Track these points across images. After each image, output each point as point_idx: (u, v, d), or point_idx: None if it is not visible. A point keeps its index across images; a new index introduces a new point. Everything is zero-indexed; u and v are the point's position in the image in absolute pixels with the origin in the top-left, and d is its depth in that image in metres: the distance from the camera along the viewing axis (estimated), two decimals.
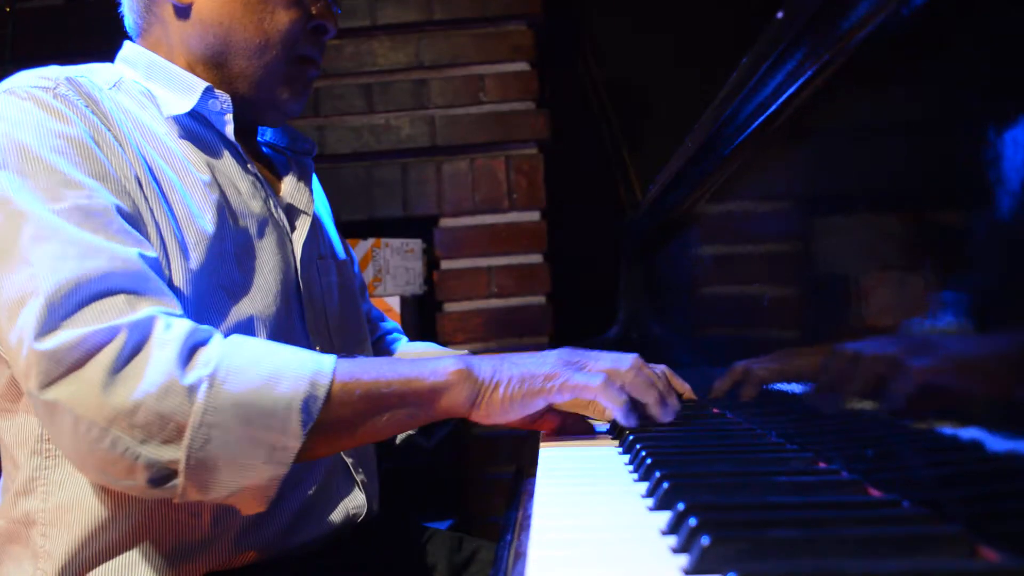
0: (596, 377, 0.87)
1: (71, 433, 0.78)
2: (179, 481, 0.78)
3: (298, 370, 0.81)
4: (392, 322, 1.46)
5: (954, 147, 0.52)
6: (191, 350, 0.79)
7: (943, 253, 0.54)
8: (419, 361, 0.88)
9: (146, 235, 0.89)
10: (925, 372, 0.56)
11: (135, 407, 0.76)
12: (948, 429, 0.53)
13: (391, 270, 2.24)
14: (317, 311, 1.10)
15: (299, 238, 1.09)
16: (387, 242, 2.24)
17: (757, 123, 0.88)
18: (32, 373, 0.78)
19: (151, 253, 0.87)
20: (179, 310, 0.84)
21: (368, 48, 2.29)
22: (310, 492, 1.02)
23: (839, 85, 0.70)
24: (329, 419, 0.81)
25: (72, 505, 0.90)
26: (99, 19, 2.23)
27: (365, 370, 0.84)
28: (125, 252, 0.83)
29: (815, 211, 0.79)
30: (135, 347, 0.78)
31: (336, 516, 1.05)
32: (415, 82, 2.28)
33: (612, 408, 0.87)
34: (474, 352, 2.25)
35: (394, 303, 2.16)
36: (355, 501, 1.08)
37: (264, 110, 1.10)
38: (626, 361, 0.91)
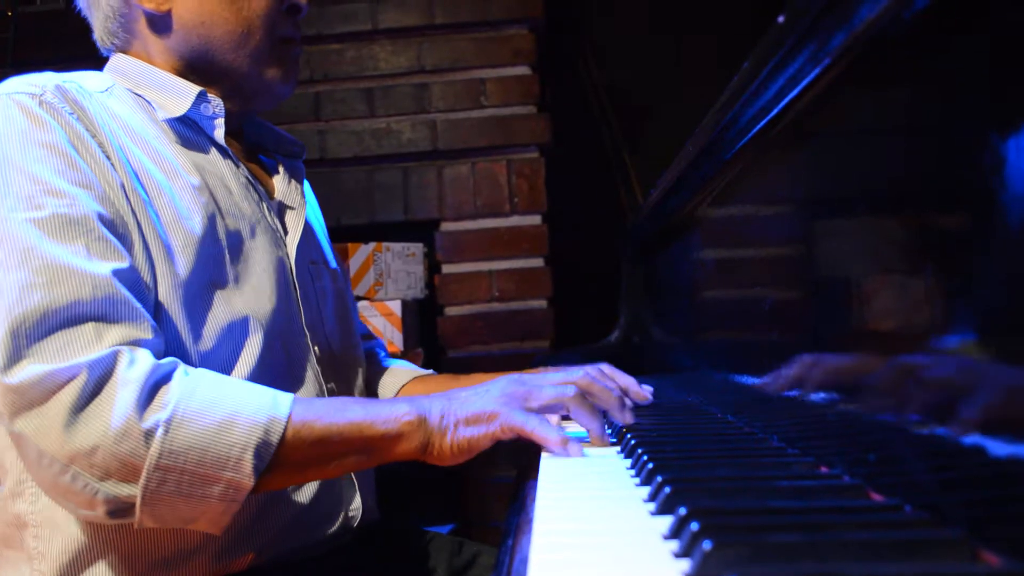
0: (531, 419, 0.88)
1: (36, 464, 0.82)
2: (136, 514, 0.82)
3: (254, 414, 0.83)
4: (378, 340, 1.45)
5: (957, 151, 0.52)
6: (151, 390, 0.82)
7: (945, 257, 0.54)
8: (374, 405, 0.90)
9: (128, 242, 0.90)
10: (927, 376, 0.56)
11: (94, 448, 0.79)
12: (949, 433, 0.52)
13: (392, 274, 2.24)
14: (313, 311, 1.10)
15: (292, 240, 1.09)
16: (388, 246, 2.24)
17: (758, 127, 0.88)
18: (1, 402, 0.80)
19: (126, 264, 0.88)
20: (149, 333, 0.86)
21: (369, 52, 2.29)
22: (308, 495, 1.02)
23: (840, 89, 0.70)
24: (280, 462, 0.84)
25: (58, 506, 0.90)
26: None
27: (319, 415, 0.86)
28: (96, 273, 0.84)
29: (816, 215, 0.79)
30: (97, 386, 0.80)
31: (334, 520, 1.05)
32: (416, 86, 2.28)
33: (547, 447, 0.88)
34: (474, 357, 2.25)
35: (395, 307, 2.16)
36: (353, 504, 1.08)
37: (257, 97, 1.11)
38: (569, 389, 0.92)
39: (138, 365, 0.82)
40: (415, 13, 2.27)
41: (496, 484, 2.21)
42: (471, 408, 0.89)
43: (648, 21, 2.51)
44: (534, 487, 0.75)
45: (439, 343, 2.25)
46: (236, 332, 0.97)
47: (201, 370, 0.88)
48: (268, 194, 1.12)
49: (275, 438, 0.83)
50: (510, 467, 2.22)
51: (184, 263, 0.94)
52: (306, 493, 1.02)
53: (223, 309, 0.96)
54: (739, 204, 1.06)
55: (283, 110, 2.26)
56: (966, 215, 0.51)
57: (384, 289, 2.22)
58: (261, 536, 0.97)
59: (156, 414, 0.80)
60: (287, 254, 1.08)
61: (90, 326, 0.82)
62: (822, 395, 0.76)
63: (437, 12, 2.27)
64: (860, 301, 0.68)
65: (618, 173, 2.43)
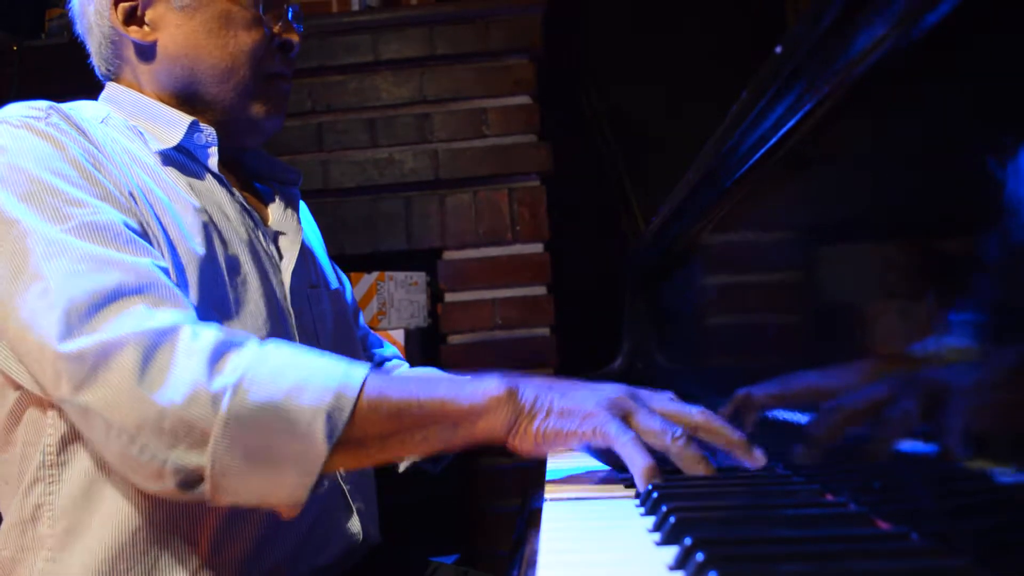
0: (626, 433, 0.80)
1: (104, 437, 0.80)
2: (207, 486, 0.79)
3: (324, 382, 0.80)
4: (392, 347, 1.45)
5: (953, 176, 0.52)
6: (219, 356, 0.80)
7: (949, 283, 0.54)
8: (459, 379, 0.85)
9: (155, 248, 0.91)
10: (933, 402, 0.56)
11: (161, 414, 0.77)
12: (956, 459, 0.52)
13: (395, 303, 2.24)
14: (309, 337, 1.10)
15: (287, 267, 1.10)
16: (391, 275, 2.24)
17: (758, 155, 0.88)
18: (62, 378, 0.79)
19: (163, 263, 0.88)
20: (194, 315, 0.85)
21: (371, 83, 2.31)
22: (308, 520, 1.01)
23: (837, 117, 0.70)
24: (355, 434, 0.80)
25: (77, 529, 0.90)
26: None
27: (396, 387, 0.82)
28: (137, 261, 0.84)
29: (818, 241, 0.79)
30: (162, 352, 0.79)
31: (336, 545, 1.05)
32: (418, 116, 2.30)
33: (632, 470, 0.80)
34: None
35: (398, 336, 2.16)
36: (355, 529, 1.07)
37: (244, 132, 1.12)
38: (677, 431, 0.82)
39: (204, 336, 0.80)
40: (416, 44, 2.29)
41: (501, 513, 2.20)
42: (570, 400, 0.83)
43: (648, 49, 2.53)
44: (539, 516, 0.74)
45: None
46: None
47: (275, 340, 0.85)
48: (263, 221, 1.12)
49: (347, 405, 0.79)
50: (515, 496, 2.21)
51: (189, 282, 0.94)
52: (307, 520, 1.01)
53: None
54: (741, 231, 1.06)
55: (286, 141, 2.27)
56: (968, 240, 0.52)
57: (387, 318, 2.23)
58: (264, 562, 0.96)
59: (224, 378, 0.78)
60: (282, 281, 1.08)
61: (140, 304, 0.81)
62: (826, 422, 0.76)
63: (438, 43, 2.29)
64: (863, 326, 0.68)
65: (619, 200, 2.44)
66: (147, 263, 0.85)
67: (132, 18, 1.08)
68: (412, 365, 2.16)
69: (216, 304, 0.97)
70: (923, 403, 0.57)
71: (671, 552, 0.57)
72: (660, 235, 1.47)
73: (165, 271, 0.87)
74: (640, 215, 2.33)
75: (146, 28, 1.07)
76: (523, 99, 2.29)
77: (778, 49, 0.72)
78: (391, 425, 0.81)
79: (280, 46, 1.10)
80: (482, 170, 2.27)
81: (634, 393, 0.87)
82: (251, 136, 1.13)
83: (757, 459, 0.83)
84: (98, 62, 1.14)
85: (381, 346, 1.44)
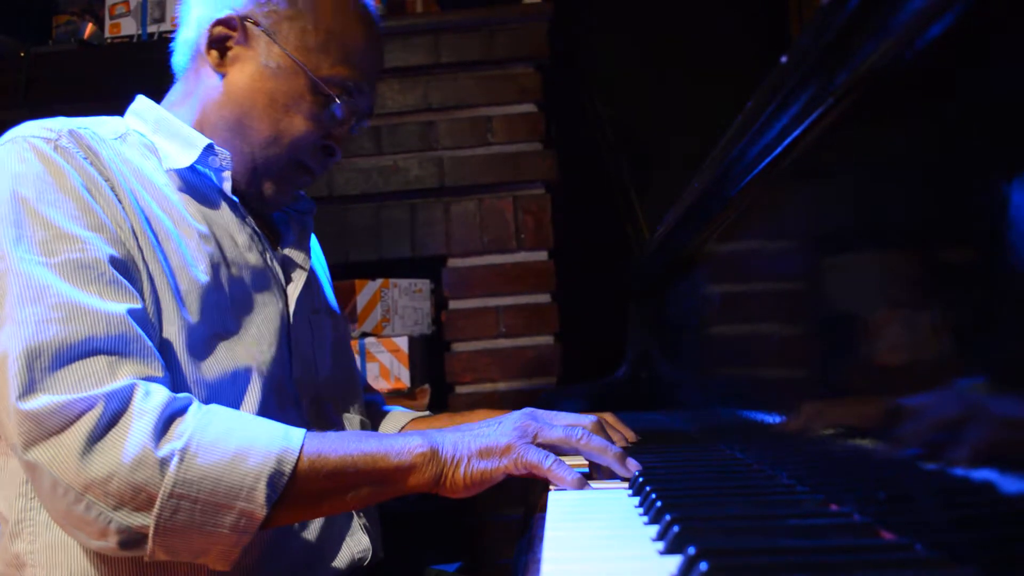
0: (548, 458, 0.89)
1: (50, 493, 0.82)
2: (148, 545, 0.82)
3: (267, 446, 0.84)
4: (378, 394, 1.44)
5: (960, 187, 0.52)
6: (167, 421, 0.83)
7: (955, 293, 0.54)
8: (387, 438, 0.90)
9: (139, 286, 0.91)
10: (937, 411, 0.56)
11: (109, 476, 0.80)
12: (961, 470, 0.52)
13: (399, 310, 2.24)
14: (307, 364, 1.11)
15: (294, 291, 1.10)
16: (395, 282, 2.24)
17: (763, 165, 0.88)
18: (14, 431, 0.81)
19: (138, 305, 0.89)
20: (160, 372, 0.87)
21: (377, 91, 2.32)
22: (314, 536, 1.01)
23: (842, 127, 0.70)
24: (293, 493, 0.84)
25: (61, 545, 0.90)
26: (113, 64, 2.27)
27: (332, 447, 0.87)
28: (110, 311, 0.86)
29: (823, 250, 0.79)
30: (113, 416, 0.81)
31: (341, 560, 1.04)
32: (423, 124, 2.30)
33: (564, 486, 0.89)
34: (481, 393, 2.25)
35: (402, 343, 2.16)
36: (360, 544, 1.07)
37: (245, 188, 1.11)
38: (577, 431, 0.93)
39: (154, 396, 0.83)
40: (421, 53, 2.30)
41: (503, 521, 2.19)
42: (484, 441, 0.90)
43: (653, 57, 2.53)
44: (542, 525, 0.74)
45: (446, 379, 2.25)
46: (239, 380, 0.98)
47: (215, 405, 0.89)
48: (273, 246, 1.13)
49: (288, 468, 0.83)
50: (518, 504, 2.20)
51: (190, 309, 0.95)
52: (311, 533, 1.01)
53: (226, 357, 0.97)
54: (745, 240, 1.06)
55: None
56: (974, 250, 0.52)
57: (391, 325, 2.23)
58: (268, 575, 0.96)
59: (171, 443, 0.81)
60: (287, 305, 1.09)
61: (104, 361, 0.83)
62: (831, 432, 0.76)
63: (443, 52, 2.29)
64: (867, 336, 0.68)
65: (624, 209, 2.44)
66: (120, 311, 0.86)
67: (219, 44, 1.08)
68: (416, 373, 2.16)
69: (219, 330, 0.98)
70: (928, 413, 0.57)
71: (675, 562, 0.57)
72: (664, 244, 1.47)
73: (140, 314, 0.89)
74: (645, 224, 2.33)
75: (225, 60, 1.08)
76: (528, 107, 2.29)
77: (783, 59, 0.72)
78: (327, 484, 0.86)
79: (325, 147, 1.11)
80: (487, 178, 2.28)
81: (533, 414, 0.95)
82: (253, 201, 1.13)
83: (629, 469, 0.93)
84: (175, 56, 1.15)
85: (369, 387, 1.42)
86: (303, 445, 0.85)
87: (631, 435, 1.20)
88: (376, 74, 1.16)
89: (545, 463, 0.88)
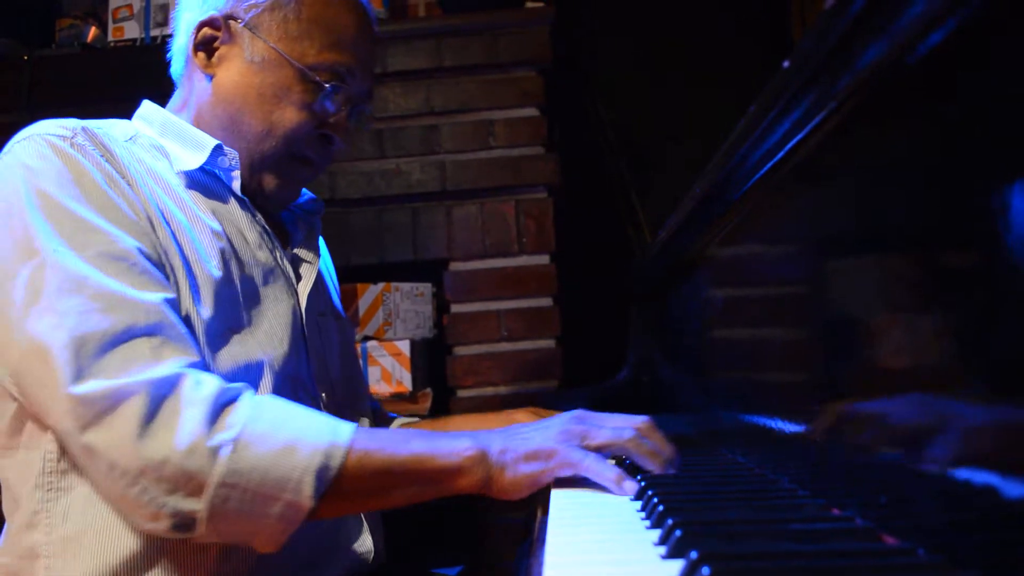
0: (587, 457, 0.89)
1: (106, 476, 0.84)
2: (199, 528, 0.84)
3: (316, 439, 0.85)
4: (375, 400, 1.45)
5: (964, 191, 0.52)
6: (219, 410, 0.84)
7: (957, 297, 0.54)
8: (436, 439, 0.91)
9: (166, 275, 0.92)
10: (938, 416, 0.56)
11: (163, 461, 0.82)
12: (964, 474, 0.52)
13: (401, 314, 2.24)
14: (320, 360, 1.11)
15: (304, 288, 1.11)
16: (397, 286, 2.25)
17: (765, 169, 0.88)
18: (68, 417, 0.83)
19: (171, 294, 0.91)
20: (198, 356, 0.89)
21: (379, 94, 2.32)
22: (320, 536, 1.01)
23: (843, 131, 0.70)
24: (340, 488, 0.85)
25: (76, 537, 0.91)
26: (115, 68, 2.27)
27: (381, 445, 0.88)
28: (147, 300, 0.87)
29: (824, 254, 0.79)
30: (164, 401, 0.83)
31: (346, 561, 1.05)
32: (425, 127, 2.30)
33: (603, 484, 0.89)
34: (483, 397, 2.25)
35: (404, 347, 2.16)
36: (364, 546, 1.07)
37: (254, 192, 1.12)
38: (627, 432, 0.94)
39: (206, 385, 0.85)
40: (424, 56, 2.30)
41: (506, 525, 2.19)
42: (531, 444, 0.90)
43: (655, 61, 2.53)
44: (544, 529, 0.74)
45: (448, 383, 2.25)
46: (252, 374, 0.98)
47: (267, 395, 0.91)
48: (283, 245, 1.13)
49: (335, 463, 0.85)
50: (520, 507, 2.20)
51: (205, 303, 0.96)
52: (316, 533, 1.01)
53: (240, 351, 0.98)
54: (747, 243, 1.06)
55: None
56: (977, 255, 0.52)
57: (393, 329, 2.23)
58: (272, 575, 0.96)
59: (223, 433, 0.83)
60: (299, 303, 1.09)
61: (147, 348, 0.85)
62: (833, 436, 0.76)
63: (445, 55, 2.30)
64: (870, 340, 0.68)
65: (626, 212, 2.44)
66: (156, 300, 0.88)
67: (206, 45, 1.09)
68: (418, 377, 2.16)
69: (233, 324, 0.98)
70: (930, 417, 0.57)
71: (677, 566, 0.57)
72: (666, 247, 1.47)
73: (174, 303, 0.90)
74: (647, 227, 2.33)
75: (212, 61, 1.09)
76: (530, 111, 2.30)
77: (786, 64, 0.72)
78: (373, 481, 0.87)
79: (322, 137, 1.11)
80: (489, 182, 2.28)
81: (582, 416, 0.95)
82: (260, 196, 1.13)
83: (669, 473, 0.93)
84: (172, 65, 1.16)
85: (373, 400, 1.43)
86: (352, 441, 0.86)
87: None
88: (371, 57, 1.14)
89: (584, 462, 0.89)
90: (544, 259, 2.27)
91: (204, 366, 0.89)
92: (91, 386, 0.82)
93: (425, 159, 2.29)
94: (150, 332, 0.86)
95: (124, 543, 0.90)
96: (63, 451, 0.91)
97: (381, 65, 2.29)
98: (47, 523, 0.92)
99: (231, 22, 1.08)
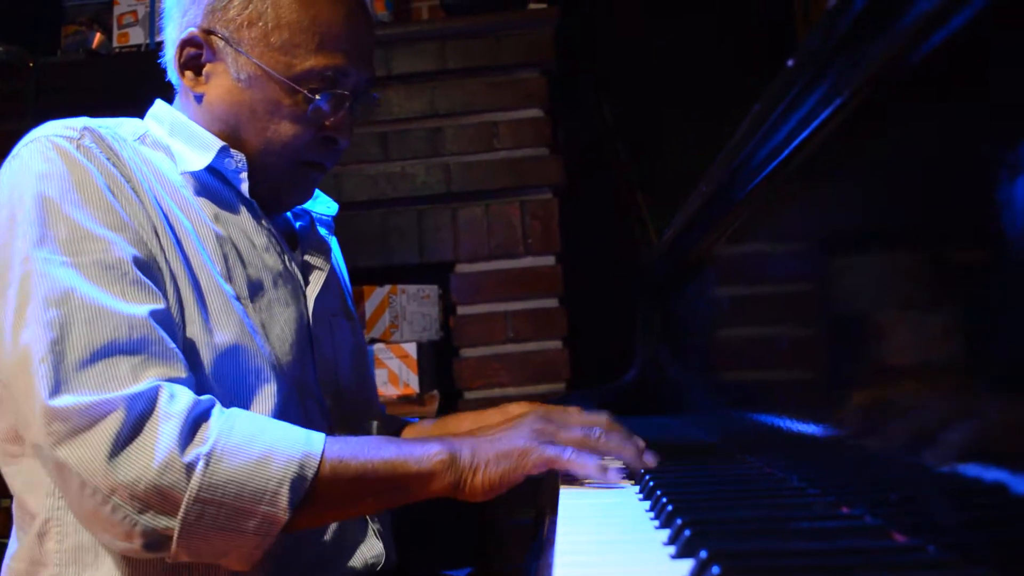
0: (565, 450, 0.90)
1: (78, 494, 0.83)
2: (172, 547, 0.83)
3: (289, 450, 0.85)
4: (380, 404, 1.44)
5: (971, 189, 0.52)
6: (192, 425, 0.84)
7: (966, 294, 0.54)
8: (407, 444, 0.91)
9: (161, 285, 0.92)
10: (948, 413, 0.56)
11: (136, 480, 0.81)
12: (973, 471, 0.52)
13: (407, 316, 2.24)
14: (328, 365, 1.11)
15: (312, 293, 1.10)
16: (403, 288, 2.25)
17: (771, 167, 0.88)
18: (43, 430, 0.82)
19: (161, 305, 0.90)
20: (183, 372, 0.88)
21: (384, 97, 2.32)
22: (327, 541, 1.01)
23: (849, 129, 0.70)
24: (315, 497, 0.86)
25: (88, 546, 0.91)
26: (120, 74, 2.28)
27: (353, 453, 0.88)
28: (133, 313, 0.86)
29: (831, 252, 0.79)
30: (139, 419, 0.82)
31: (355, 564, 1.05)
32: (430, 130, 2.31)
33: (587, 475, 0.91)
34: (491, 398, 2.25)
35: (411, 349, 2.16)
36: (373, 550, 1.07)
37: (264, 195, 1.10)
38: (593, 431, 0.95)
39: (179, 400, 0.84)
40: (428, 59, 2.30)
41: (514, 526, 2.19)
42: (501, 445, 0.91)
43: (660, 61, 2.53)
44: (553, 530, 0.74)
45: (455, 385, 2.25)
46: (260, 379, 0.98)
47: (236, 408, 0.90)
48: (292, 247, 1.12)
49: (310, 472, 0.85)
50: (529, 509, 2.20)
51: (210, 309, 0.95)
52: (325, 537, 1.01)
53: (246, 356, 0.97)
54: (753, 242, 1.06)
55: None
56: (985, 252, 0.52)
57: (399, 331, 2.23)
58: None
59: (197, 448, 0.83)
60: (307, 307, 1.09)
61: (127, 363, 0.84)
62: (842, 434, 0.75)
63: (450, 57, 2.30)
64: (879, 338, 0.68)
65: (631, 212, 2.44)
66: (143, 313, 0.87)
67: (192, 63, 1.06)
68: (425, 379, 2.16)
69: (238, 329, 0.98)
70: (940, 414, 0.57)
71: (687, 565, 0.57)
72: (672, 247, 1.47)
73: (163, 313, 0.89)
74: (652, 227, 2.33)
75: (200, 79, 1.06)
76: (535, 112, 2.30)
77: (790, 62, 0.72)
78: (348, 489, 0.88)
79: (325, 139, 1.08)
80: (494, 183, 2.28)
81: (547, 414, 0.97)
82: (272, 204, 1.12)
83: (647, 463, 0.95)
84: (168, 75, 1.13)
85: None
86: (324, 450, 0.87)
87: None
88: (365, 45, 1.08)
89: (564, 455, 0.89)
90: (550, 260, 2.27)
91: (188, 382, 0.88)
92: (67, 400, 0.81)
93: (430, 161, 2.30)
94: (132, 349, 0.85)
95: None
96: None
97: (385, 68, 2.29)
98: (58, 532, 0.92)
99: (212, 38, 1.04)
